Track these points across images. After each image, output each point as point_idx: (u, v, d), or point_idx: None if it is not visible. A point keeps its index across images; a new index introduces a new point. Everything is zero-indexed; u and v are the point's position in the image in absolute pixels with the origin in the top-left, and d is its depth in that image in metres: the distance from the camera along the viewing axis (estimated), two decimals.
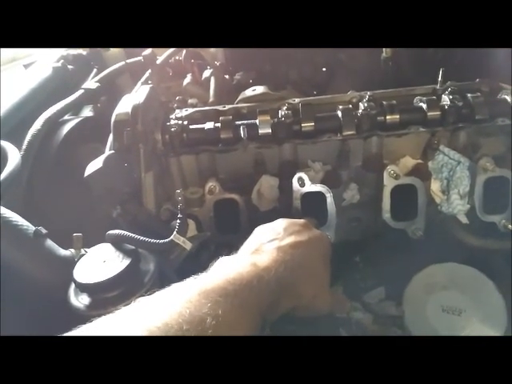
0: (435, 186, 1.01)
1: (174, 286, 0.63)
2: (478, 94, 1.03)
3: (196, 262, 0.93)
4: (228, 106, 1.13)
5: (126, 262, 0.78)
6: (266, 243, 0.77)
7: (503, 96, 1.02)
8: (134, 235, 0.82)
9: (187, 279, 0.65)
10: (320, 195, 0.96)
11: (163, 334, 0.51)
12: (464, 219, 1.00)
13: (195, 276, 0.66)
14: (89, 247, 0.88)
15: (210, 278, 0.65)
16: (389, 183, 0.98)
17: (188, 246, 0.84)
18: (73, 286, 0.80)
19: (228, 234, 1.02)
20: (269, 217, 1.00)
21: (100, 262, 0.79)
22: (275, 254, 0.73)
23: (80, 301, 0.77)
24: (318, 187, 0.96)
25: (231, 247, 0.80)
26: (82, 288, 0.77)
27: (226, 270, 0.67)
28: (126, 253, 0.80)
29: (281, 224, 0.82)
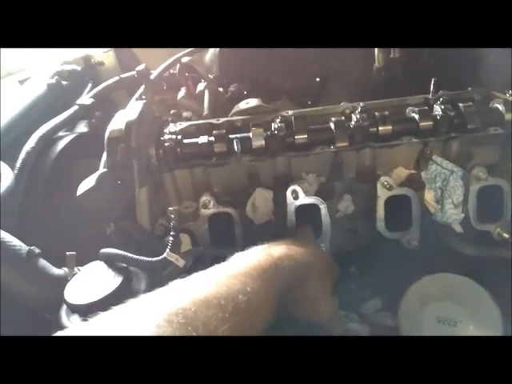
0: (429, 196, 1.01)
1: (199, 273, 0.69)
2: (470, 103, 1.03)
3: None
4: (222, 119, 1.13)
5: (117, 281, 0.78)
6: (276, 245, 0.84)
7: (495, 105, 1.02)
8: (126, 253, 0.82)
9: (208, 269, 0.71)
10: (314, 207, 0.96)
11: (205, 307, 0.57)
12: (458, 228, 1.00)
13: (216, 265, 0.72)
14: (83, 265, 0.88)
15: (232, 266, 0.72)
16: (382, 194, 0.98)
17: (181, 263, 0.84)
18: (64, 306, 0.80)
19: (223, 248, 1.01)
20: (263, 230, 1.01)
21: (91, 282, 0.79)
22: (286, 250, 0.81)
23: (71, 321, 0.77)
24: (312, 199, 0.96)
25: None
26: (73, 309, 0.77)
27: (246, 259, 0.75)
28: (118, 272, 0.80)
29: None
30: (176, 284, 0.65)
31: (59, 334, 0.53)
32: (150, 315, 0.55)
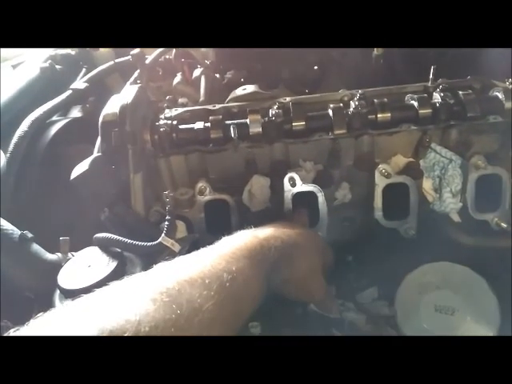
0: (427, 185, 1.00)
1: (186, 256, 0.70)
2: (470, 91, 1.02)
3: None
4: (218, 106, 1.11)
5: (111, 266, 0.77)
6: (263, 228, 0.84)
7: (495, 93, 1.01)
8: (121, 238, 0.80)
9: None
10: (311, 195, 0.95)
11: (189, 286, 0.58)
12: (456, 217, 1.00)
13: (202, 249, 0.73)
14: (77, 250, 0.87)
15: (218, 247, 0.73)
16: (380, 182, 0.97)
17: (177, 248, 0.83)
18: (58, 291, 0.79)
19: (219, 235, 1.00)
20: (260, 217, 1.00)
21: (85, 267, 0.78)
22: (273, 231, 0.81)
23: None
24: (309, 187, 0.95)
25: None
26: (66, 294, 0.76)
27: (232, 240, 0.76)
28: (112, 257, 0.79)
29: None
30: (161, 266, 0.65)
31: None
32: (133, 295, 0.55)
